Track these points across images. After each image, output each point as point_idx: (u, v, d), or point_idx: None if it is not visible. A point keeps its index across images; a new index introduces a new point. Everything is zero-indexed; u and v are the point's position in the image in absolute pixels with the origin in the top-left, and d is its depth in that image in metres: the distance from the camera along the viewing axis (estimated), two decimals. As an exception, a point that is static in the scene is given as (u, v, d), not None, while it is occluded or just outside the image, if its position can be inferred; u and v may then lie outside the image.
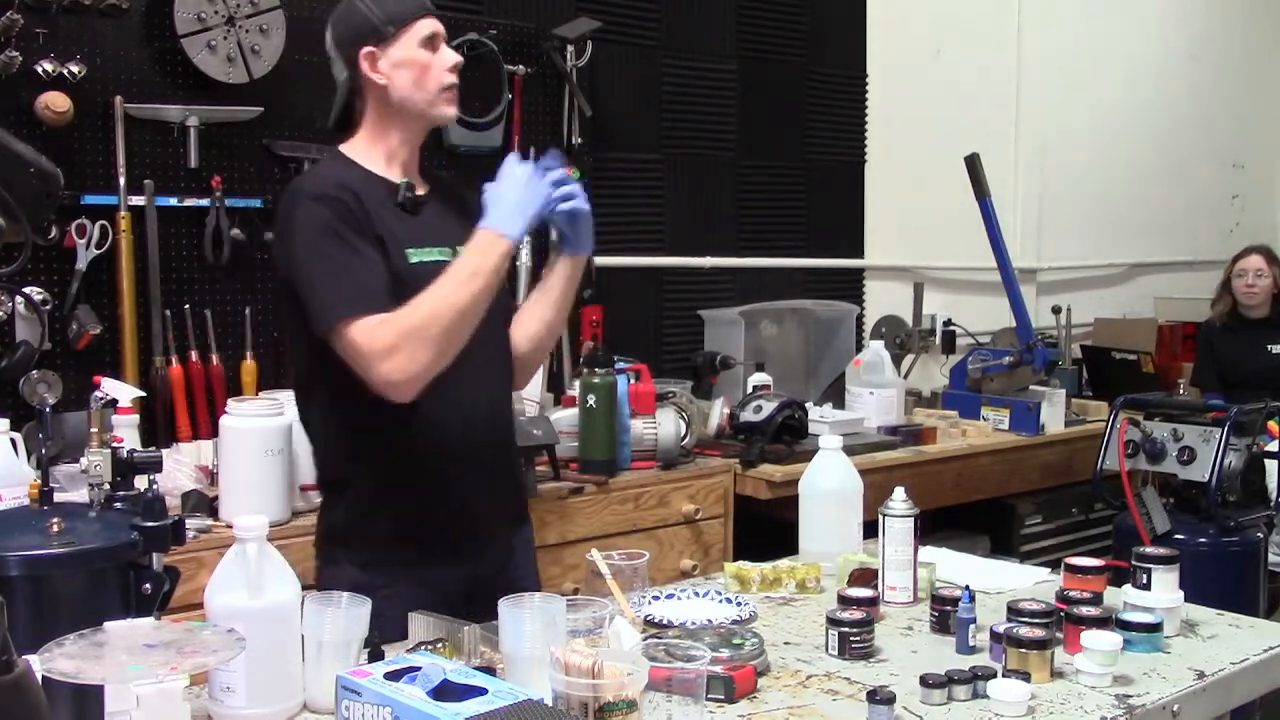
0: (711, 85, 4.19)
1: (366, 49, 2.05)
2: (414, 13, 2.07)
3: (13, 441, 2.37)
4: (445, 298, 1.91)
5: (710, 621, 1.93)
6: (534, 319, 2.25)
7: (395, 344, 1.89)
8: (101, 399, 1.66)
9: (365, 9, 2.07)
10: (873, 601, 1.96)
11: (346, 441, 2.07)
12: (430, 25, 2.08)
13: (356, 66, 2.07)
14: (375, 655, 1.64)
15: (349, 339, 1.91)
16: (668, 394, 3.31)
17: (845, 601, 1.93)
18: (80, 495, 1.68)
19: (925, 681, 1.64)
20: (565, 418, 3.13)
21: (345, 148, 2.13)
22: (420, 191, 2.13)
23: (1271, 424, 3.57)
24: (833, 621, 1.83)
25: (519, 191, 2.03)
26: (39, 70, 2.77)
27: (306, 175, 2.19)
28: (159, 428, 2.89)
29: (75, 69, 2.80)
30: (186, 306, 3.00)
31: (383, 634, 1.70)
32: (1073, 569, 2.01)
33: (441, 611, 1.91)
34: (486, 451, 2.11)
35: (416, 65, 2.06)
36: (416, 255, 2.03)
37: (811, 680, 1.73)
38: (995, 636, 1.78)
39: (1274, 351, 4.67)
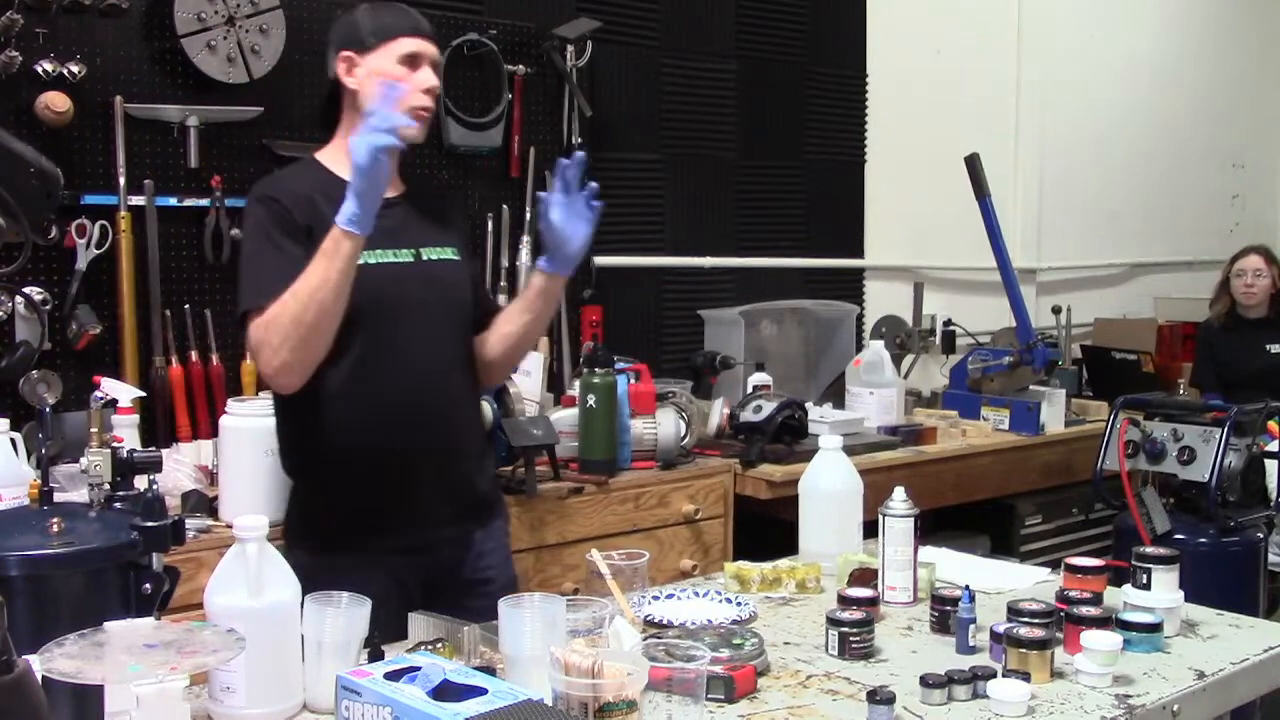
0: (711, 85, 4.19)
1: (345, 53, 2.15)
2: (401, 30, 2.15)
3: (13, 441, 2.37)
4: (298, 292, 1.97)
5: (710, 621, 1.93)
6: (509, 321, 2.30)
7: (261, 339, 2.00)
8: (101, 399, 1.66)
9: (359, 17, 2.16)
10: (873, 601, 1.96)
11: (296, 434, 2.18)
12: (414, 44, 2.15)
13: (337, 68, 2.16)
14: (375, 655, 1.64)
15: (248, 331, 2.04)
16: (668, 394, 3.31)
17: (845, 601, 1.93)
18: (80, 495, 1.68)
19: (925, 681, 1.64)
20: (565, 418, 3.13)
21: (320, 153, 2.22)
22: (391, 194, 2.18)
23: (1271, 424, 3.57)
24: (833, 621, 1.83)
25: (373, 182, 1.96)
26: (39, 70, 2.77)
27: (265, 178, 2.25)
28: (159, 428, 2.88)
29: (75, 69, 2.80)
30: (186, 306, 3.00)
31: None
32: (1073, 569, 2.01)
33: (394, 598, 2.02)
34: (428, 447, 2.16)
35: (388, 79, 2.11)
36: (364, 257, 2.08)
37: (811, 680, 1.73)
38: (995, 636, 1.78)
39: (1273, 351, 4.67)
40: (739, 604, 2.03)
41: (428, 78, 2.15)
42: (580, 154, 2.16)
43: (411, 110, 2.11)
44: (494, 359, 2.31)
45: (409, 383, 2.12)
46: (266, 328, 1.99)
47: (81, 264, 2.84)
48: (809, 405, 3.59)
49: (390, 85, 2.00)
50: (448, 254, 2.23)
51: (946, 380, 4.38)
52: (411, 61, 2.13)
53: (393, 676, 1.39)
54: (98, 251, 2.86)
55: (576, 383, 3.17)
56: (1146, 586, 1.96)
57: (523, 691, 1.37)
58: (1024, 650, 1.71)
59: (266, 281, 2.01)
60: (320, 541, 2.12)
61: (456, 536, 2.21)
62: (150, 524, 1.48)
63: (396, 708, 1.33)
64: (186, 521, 1.97)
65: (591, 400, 3.03)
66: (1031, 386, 4.16)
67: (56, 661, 1.26)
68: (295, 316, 1.96)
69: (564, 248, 2.20)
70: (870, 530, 2.20)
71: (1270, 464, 3.48)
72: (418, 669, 1.40)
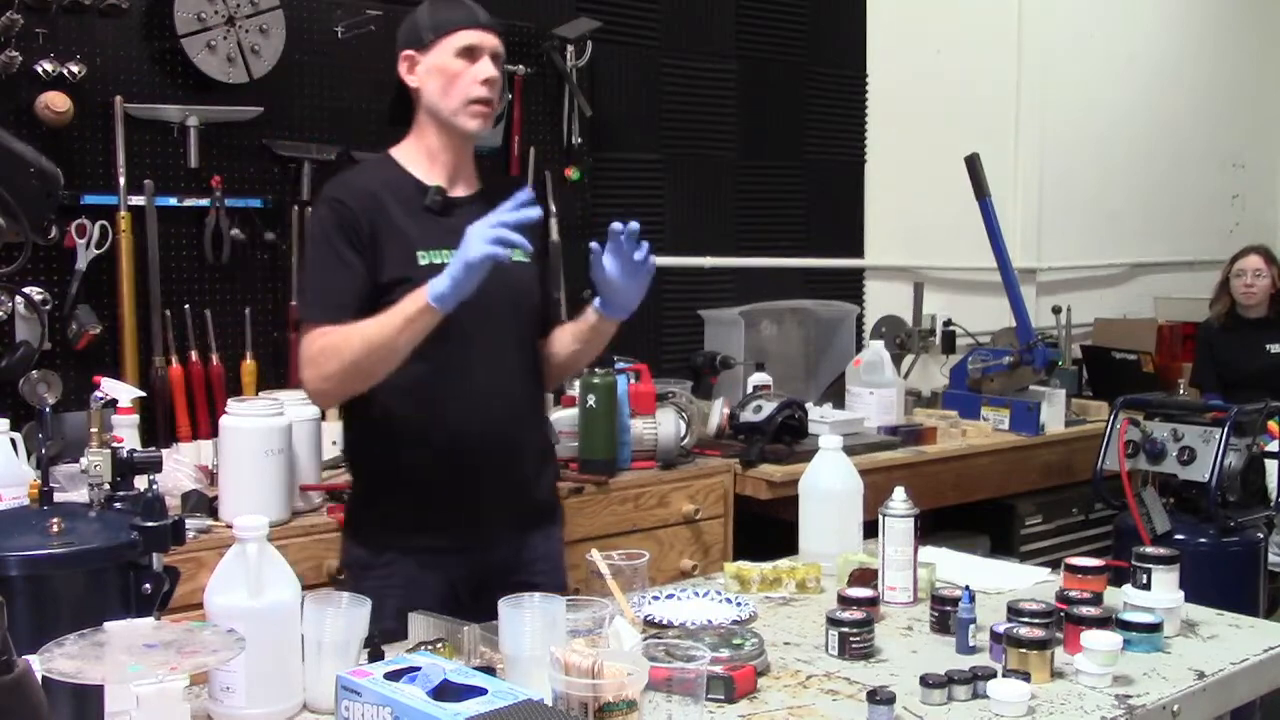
0: (711, 85, 4.19)
1: (406, 52, 2.15)
2: (457, 23, 2.12)
3: (13, 441, 2.36)
4: (368, 338, 1.98)
5: (710, 621, 1.93)
6: (560, 344, 2.31)
7: (314, 358, 2.02)
8: (101, 399, 1.66)
9: (419, 15, 2.16)
10: (873, 601, 1.96)
11: (359, 430, 2.19)
12: (470, 37, 2.12)
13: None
14: (375, 655, 1.64)
15: (301, 339, 2.06)
16: (668, 394, 3.31)
17: (845, 601, 1.93)
18: (80, 495, 1.68)
19: (925, 681, 1.64)
20: (565, 418, 3.13)
21: (395, 149, 2.22)
22: (463, 193, 2.19)
23: (1271, 424, 3.57)
24: (833, 621, 1.83)
25: (474, 278, 1.95)
26: (39, 70, 2.77)
27: (336, 176, 2.26)
28: (159, 428, 2.89)
29: (75, 69, 2.80)
30: (186, 306, 3.00)
31: (383, 610, 1.77)
32: (1073, 569, 2.01)
33: (444, 597, 2.02)
34: (491, 449, 2.15)
35: (446, 74, 2.11)
36: (427, 257, 2.08)
37: (811, 680, 1.73)
38: (995, 636, 1.78)
39: (1272, 351, 4.66)
40: (739, 604, 2.03)
41: (486, 69, 2.12)
42: (635, 224, 2.10)
43: (469, 103, 2.11)
44: (544, 371, 2.33)
45: (474, 383, 2.11)
46: (322, 351, 2.00)
47: (81, 264, 2.84)
48: (809, 405, 3.59)
49: (522, 202, 1.98)
50: (517, 255, 2.17)
51: (946, 380, 4.38)
52: (470, 54, 2.11)
53: (393, 676, 1.39)
54: (98, 251, 2.86)
55: (576, 383, 3.17)
56: (1146, 586, 1.96)
57: (523, 691, 1.37)
58: (1024, 650, 1.71)
59: (327, 296, 2.04)
60: (377, 537, 2.14)
61: (513, 540, 2.20)
62: (150, 524, 1.48)
63: (396, 708, 1.33)
64: (186, 521, 1.96)
65: (591, 400, 3.03)
66: (1031, 386, 4.16)
67: (56, 661, 1.26)
68: (355, 359, 1.98)
69: (618, 300, 2.18)
70: (870, 530, 2.20)
71: (1270, 464, 3.48)
72: (418, 669, 1.40)
